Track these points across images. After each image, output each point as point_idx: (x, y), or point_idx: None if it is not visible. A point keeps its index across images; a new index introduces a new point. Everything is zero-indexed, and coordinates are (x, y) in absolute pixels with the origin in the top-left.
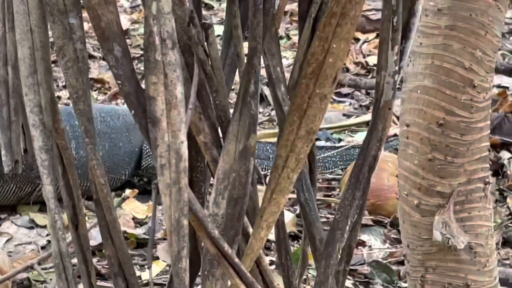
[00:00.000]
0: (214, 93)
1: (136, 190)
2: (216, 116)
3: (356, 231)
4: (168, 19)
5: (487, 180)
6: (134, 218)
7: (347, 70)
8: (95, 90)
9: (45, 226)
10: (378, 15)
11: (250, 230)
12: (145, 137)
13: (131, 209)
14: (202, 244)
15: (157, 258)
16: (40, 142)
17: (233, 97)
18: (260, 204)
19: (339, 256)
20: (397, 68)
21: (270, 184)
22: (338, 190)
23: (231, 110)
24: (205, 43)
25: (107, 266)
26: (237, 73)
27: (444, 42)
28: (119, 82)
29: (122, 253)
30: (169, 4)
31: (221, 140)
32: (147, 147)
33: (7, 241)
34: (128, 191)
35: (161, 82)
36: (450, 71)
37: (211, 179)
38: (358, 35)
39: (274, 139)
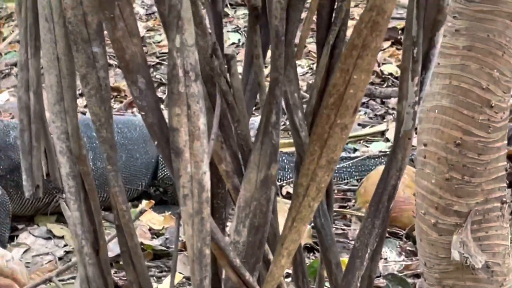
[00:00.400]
0: (235, 123)
1: (153, 201)
2: (238, 145)
3: (377, 261)
4: (191, 51)
5: (504, 199)
6: (150, 229)
7: None
8: (111, 98)
9: (62, 237)
10: (393, 23)
11: (271, 257)
12: (168, 167)
13: (148, 220)
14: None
15: None
16: (67, 169)
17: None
18: (280, 231)
19: (359, 285)
20: (417, 98)
21: (291, 212)
22: (353, 201)
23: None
24: (227, 74)
25: (125, 278)
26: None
27: (462, 62)
28: (143, 113)
29: (143, 279)
30: (193, 37)
31: (242, 168)
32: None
33: (25, 251)
34: (144, 203)
35: (184, 113)
36: (467, 91)
37: (231, 204)
38: None
39: (289, 149)
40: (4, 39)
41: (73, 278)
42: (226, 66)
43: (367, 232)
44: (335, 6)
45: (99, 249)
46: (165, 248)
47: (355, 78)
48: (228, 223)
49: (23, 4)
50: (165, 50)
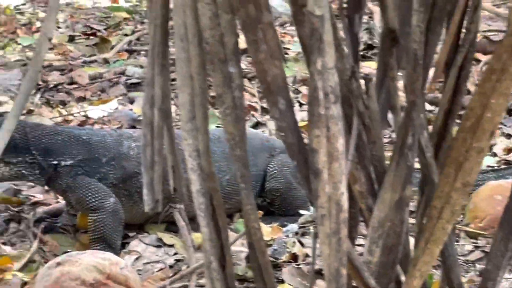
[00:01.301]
0: (371, 144)
1: (261, 212)
2: (372, 166)
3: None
4: (331, 74)
5: None
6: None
7: (469, 92)
8: (216, 108)
9: (172, 245)
10: (500, 36)
11: (402, 278)
12: (305, 187)
13: None
14: None
15: (282, 281)
16: (198, 186)
17: None
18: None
19: None
20: None
21: (425, 234)
22: (461, 216)
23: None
24: (365, 96)
25: None
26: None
27: None
28: (283, 133)
29: None
30: (333, 60)
31: (375, 189)
32: (271, 169)
33: (136, 259)
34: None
35: (324, 135)
36: None
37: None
38: (479, 56)
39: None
40: (112, 48)
41: (185, 287)
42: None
43: (500, 254)
44: (462, 28)
45: (226, 265)
46: (273, 259)
47: (493, 102)
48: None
49: (153, 22)
50: None
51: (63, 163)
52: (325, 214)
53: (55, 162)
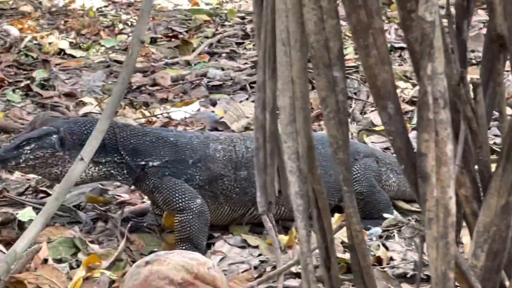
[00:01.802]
0: (478, 149)
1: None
2: (478, 171)
3: None
4: (440, 79)
5: None
6: (342, 242)
7: None
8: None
9: (257, 247)
10: None
11: (507, 283)
12: (412, 191)
13: (340, 233)
14: None
15: None
16: (296, 188)
17: None
18: None
19: None
20: None
21: None
22: None
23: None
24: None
25: None
26: None
27: None
28: (391, 138)
29: None
30: (442, 65)
31: (481, 194)
32: (355, 173)
33: (221, 259)
34: (336, 216)
35: (433, 139)
36: None
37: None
38: None
39: None
40: (193, 50)
41: None
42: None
43: None
44: None
45: (330, 266)
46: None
47: None
48: None
49: (262, 27)
50: None
51: (150, 163)
52: (432, 218)
53: (143, 163)
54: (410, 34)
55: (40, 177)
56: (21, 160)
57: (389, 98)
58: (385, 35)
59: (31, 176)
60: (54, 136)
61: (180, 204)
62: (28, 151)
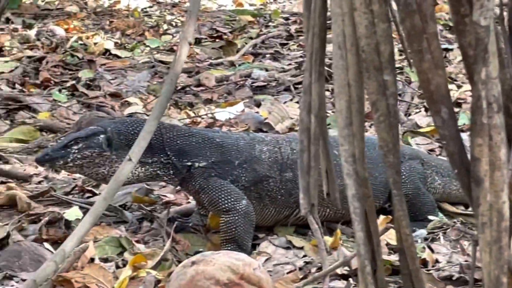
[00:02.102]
0: None
1: (390, 217)
2: None
3: None
4: (495, 83)
5: None
6: (387, 244)
7: None
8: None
9: (301, 248)
10: None
11: None
12: (465, 195)
13: (385, 235)
14: None
15: None
16: (353, 191)
17: None
18: None
19: None
20: None
21: None
22: None
23: None
24: None
25: None
26: None
27: None
28: (445, 142)
29: None
30: (497, 70)
31: None
32: (402, 175)
33: (266, 260)
34: (381, 218)
35: (486, 144)
36: None
37: None
38: None
39: None
40: (237, 51)
41: None
42: None
43: None
44: None
45: (377, 269)
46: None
47: None
48: None
49: (310, 30)
50: None
51: (197, 164)
52: (486, 222)
53: (189, 164)
54: (463, 39)
55: (86, 177)
56: (68, 160)
57: (442, 103)
58: (439, 40)
59: (77, 175)
60: (102, 136)
61: (226, 205)
62: (76, 151)
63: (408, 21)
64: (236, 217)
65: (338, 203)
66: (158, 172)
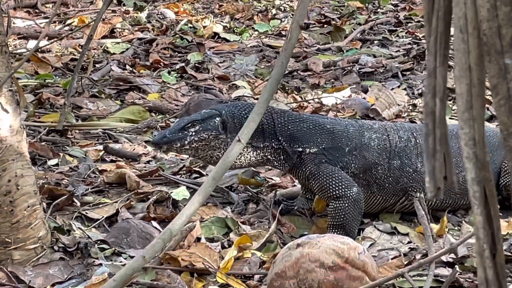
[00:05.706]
0: None
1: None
2: None
3: None
4: None
5: None
6: None
7: None
8: (450, 100)
9: (406, 234)
10: None
11: None
12: None
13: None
14: None
15: None
16: (473, 174)
17: None
18: None
19: None
20: None
21: None
22: None
23: None
24: None
25: (470, 280)
26: None
27: None
28: None
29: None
30: None
31: None
32: (506, 166)
33: (371, 245)
34: None
35: None
36: None
37: None
38: None
39: None
40: (345, 37)
41: (420, 275)
42: None
43: None
44: None
45: (496, 253)
46: (509, 253)
47: None
48: None
49: (434, 13)
50: None
51: (308, 150)
52: None
53: (300, 149)
54: None
55: (199, 160)
56: (186, 142)
57: None
58: None
59: (185, 156)
60: (217, 118)
61: (337, 192)
62: (193, 133)
63: None
64: (346, 204)
65: (455, 187)
66: (269, 157)
